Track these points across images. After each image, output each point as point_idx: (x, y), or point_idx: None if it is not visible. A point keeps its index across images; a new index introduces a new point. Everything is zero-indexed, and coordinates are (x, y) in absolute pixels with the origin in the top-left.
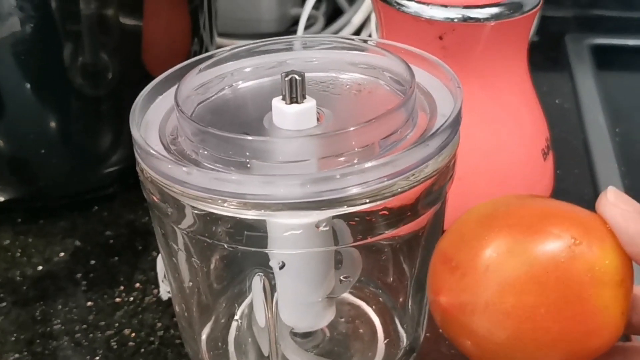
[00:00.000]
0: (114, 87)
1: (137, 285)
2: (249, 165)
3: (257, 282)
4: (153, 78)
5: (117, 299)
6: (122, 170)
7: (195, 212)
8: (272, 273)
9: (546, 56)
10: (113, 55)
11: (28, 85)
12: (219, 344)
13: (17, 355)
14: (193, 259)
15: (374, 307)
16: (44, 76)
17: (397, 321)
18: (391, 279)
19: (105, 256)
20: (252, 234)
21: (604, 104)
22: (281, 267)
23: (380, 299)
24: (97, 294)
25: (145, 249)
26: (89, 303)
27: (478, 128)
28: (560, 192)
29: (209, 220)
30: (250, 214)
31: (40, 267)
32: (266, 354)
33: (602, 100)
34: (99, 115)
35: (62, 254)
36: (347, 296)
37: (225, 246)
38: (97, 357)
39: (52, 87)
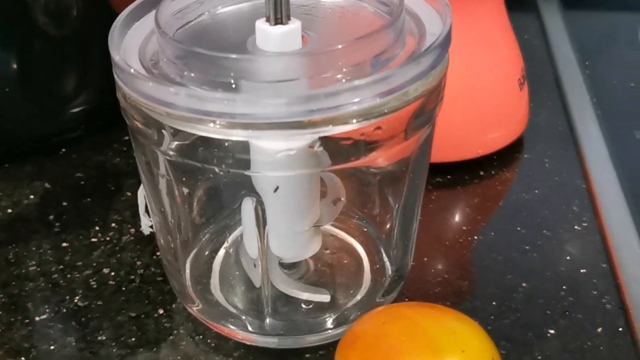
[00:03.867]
0: (78, 27)
1: (113, 225)
2: (235, 86)
3: (249, 206)
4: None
5: (93, 239)
6: (88, 111)
7: (182, 135)
8: (262, 201)
9: None
10: None
11: None
12: (204, 277)
13: None
14: (179, 186)
15: (359, 238)
16: (5, 16)
17: (382, 251)
18: (377, 211)
19: (77, 198)
20: (242, 157)
21: (571, 40)
22: (275, 190)
23: (365, 229)
24: (71, 234)
25: (119, 190)
26: (64, 244)
27: (457, 57)
28: (534, 124)
29: (197, 143)
30: (238, 135)
31: (9, 210)
32: (258, 285)
33: (570, 37)
34: (63, 55)
35: (31, 197)
36: (332, 229)
37: (216, 169)
38: (77, 297)
39: (14, 27)
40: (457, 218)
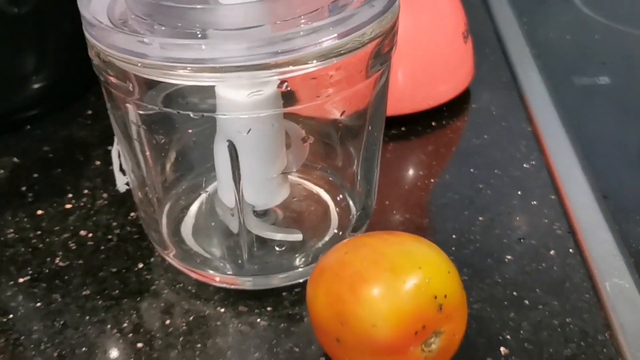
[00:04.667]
0: (35, 5)
1: (85, 191)
2: (202, 36)
3: (224, 150)
4: None
5: (67, 205)
6: (48, 88)
7: (156, 85)
8: (235, 146)
9: None
10: None
11: None
12: (180, 226)
13: None
14: (153, 141)
15: (324, 187)
16: None
17: (347, 196)
18: (339, 162)
19: (47, 169)
20: (215, 102)
21: None
22: (248, 132)
23: (330, 178)
24: (45, 203)
25: (87, 160)
26: (39, 212)
27: (404, 15)
28: (480, 77)
29: (170, 92)
30: (208, 79)
31: None
32: (235, 231)
33: None
34: (20, 34)
35: (1, 171)
36: (298, 179)
37: (191, 115)
38: (57, 259)
39: None
40: (414, 165)
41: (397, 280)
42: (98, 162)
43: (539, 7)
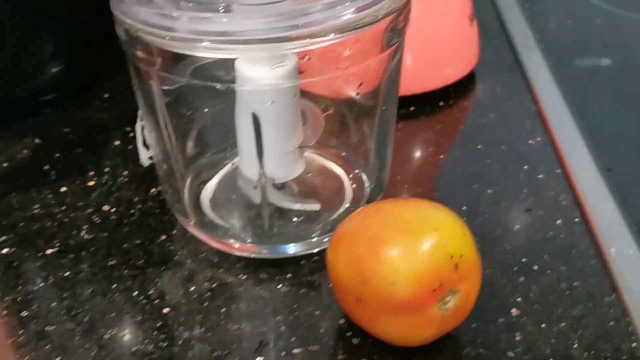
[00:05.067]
0: None
1: (106, 169)
2: (228, 10)
3: (248, 121)
4: None
5: (90, 183)
6: (65, 73)
7: (183, 58)
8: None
9: None
10: None
11: None
12: (203, 198)
13: (4, 237)
14: (177, 116)
15: (338, 163)
16: None
17: (361, 172)
18: (354, 140)
19: (68, 149)
20: (240, 74)
21: None
22: (271, 103)
23: (344, 154)
24: (68, 180)
25: (106, 140)
26: (63, 189)
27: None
28: (484, 61)
29: (199, 65)
30: (232, 52)
31: (5, 164)
32: (258, 202)
33: None
34: (38, 20)
35: (24, 152)
36: (313, 156)
37: (217, 86)
38: (83, 232)
39: None
40: (423, 142)
41: (415, 241)
42: (117, 142)
43: None
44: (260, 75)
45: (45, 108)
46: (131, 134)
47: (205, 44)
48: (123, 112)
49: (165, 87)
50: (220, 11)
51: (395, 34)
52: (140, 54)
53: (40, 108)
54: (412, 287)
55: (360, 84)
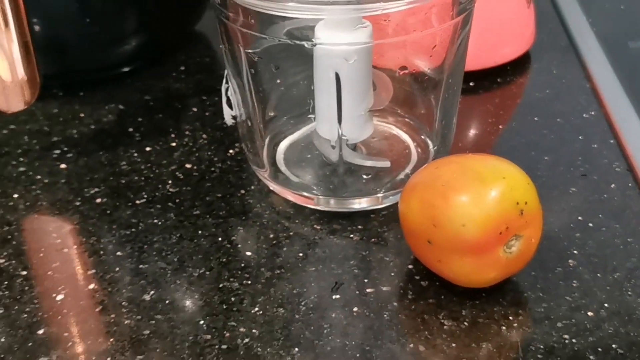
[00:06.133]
0: None
1: (187, 133)
2: None
3: (326, 85)
4: None
5: (172, 144)
6: (144, 45)
7: (274, 20)
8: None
9: None
10: None
11: None
12: (282, 157)
13: (96, 189)
14: (262, 78)
15: (404, 129)
16: None
17: (426, 138)
18: (420, 110)
19: (150, 114)
20: (327, 33)
21: None
22: (353, 61)
23: (410, 122)
24: (152, 141)
25: (185, 107)
26: (147, 148)
27: None
28: (539, 42)
29: (289, 27)
30: (321, 12)
31: (92, 127)
32: (335, 160)
33: None
34: None
35: (109, 116)
36: (379, 122)
37: (306, 45)
38: (168, 185)
39: None
40: (483, 113)
41: (485, 188)
42: (195, 109)
43: None
44: (345, 35)
45: (127, 78)
46: (207, 102)
47: (296, 4)
48: (197, 84)
49: (251, 50)
50: None
51: (466, 2)
52: (232, 15)
53: (122, 78)
54: (481, 229)
55: (431, 55)
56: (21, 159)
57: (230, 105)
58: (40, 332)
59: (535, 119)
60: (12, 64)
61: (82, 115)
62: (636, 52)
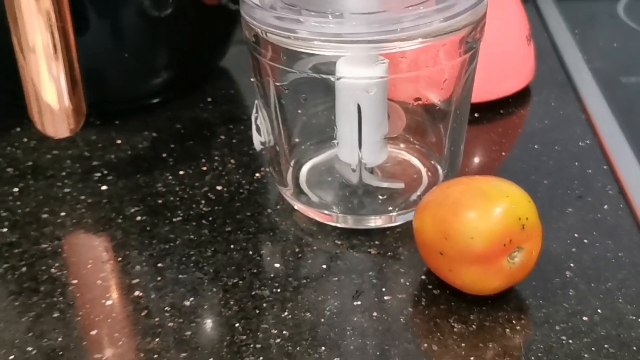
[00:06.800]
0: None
1: (216, 158)
2: (343, 17)
3: (348, 114)
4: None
5: (203, 168)
6: (173, 78)
7: (302, 56)
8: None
9: None
10: None
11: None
12: (304, 180)
13: (136, 208)
14: (289, 108)
15: (415, 155)
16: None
17: (436, 164)
18: (430, 139)
19: (182, 141)
20: (350, 68)
21: (561, 13)
22: (374, 93)
23: (421, 149)
24: (184, 165)
25: (213, 135)
26: (181, 172)
27: None
28: (538, 77)
29: (320, 63)
30: (345, 50)
31: (129, 152)
32: (354, 183)
33: (560, 11)
34: (158, 34)
35: (144, 142)
36: (393, 150)
37: (331, 79)
38: (201, 205)
39: (123, 9)
40: (487, 141)
41: (490, 205)
42: (223, 137)
43: (589, 20)
44: (366, 70)
45: (157, 108)
46: (234, 130)
47: (324, 43)
48: (223, 113)
49: (279, 83)
50: (335, 18)
51: (472, 42)
52: (264, 52)
53: (153, 108)
54: (487, 241)
55: (442, 88)
56: (66, 181)
57: (259, 132)
58: (93, 332)
59: (535, 146)
60: (60, 93)
61: (119, 141)
62: (628, 86)
